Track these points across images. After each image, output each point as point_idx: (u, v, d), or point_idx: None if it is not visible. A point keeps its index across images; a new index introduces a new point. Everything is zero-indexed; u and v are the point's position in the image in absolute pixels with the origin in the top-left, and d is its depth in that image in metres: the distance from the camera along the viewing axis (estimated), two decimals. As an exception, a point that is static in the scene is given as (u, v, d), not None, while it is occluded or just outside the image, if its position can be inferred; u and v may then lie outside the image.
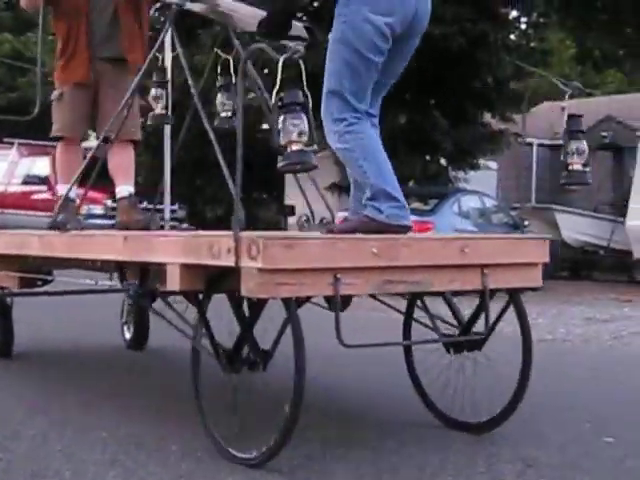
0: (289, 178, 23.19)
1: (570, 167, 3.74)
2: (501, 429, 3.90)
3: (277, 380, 3.33)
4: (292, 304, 3.23)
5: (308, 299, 3.56)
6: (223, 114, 4.79)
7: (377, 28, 3.53)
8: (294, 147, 3.21)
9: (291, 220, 24.15)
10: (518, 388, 3.81)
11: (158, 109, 4.70)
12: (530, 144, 22.86)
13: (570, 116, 3.75)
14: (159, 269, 3.63)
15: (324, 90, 3.67)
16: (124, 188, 5.58)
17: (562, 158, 3.75)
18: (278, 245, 3.13)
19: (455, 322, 3.99)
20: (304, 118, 3.19)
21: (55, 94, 5.51)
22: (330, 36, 3.68)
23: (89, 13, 5.29)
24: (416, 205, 13.12)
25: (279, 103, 3.21)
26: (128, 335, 6.34)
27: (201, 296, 3.56)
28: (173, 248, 3.52)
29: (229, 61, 4.67)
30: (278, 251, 3.13)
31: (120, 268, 4.06)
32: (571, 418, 4.39)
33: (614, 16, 18.12)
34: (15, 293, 5.42)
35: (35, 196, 15.71)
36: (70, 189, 4.86)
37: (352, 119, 3.60)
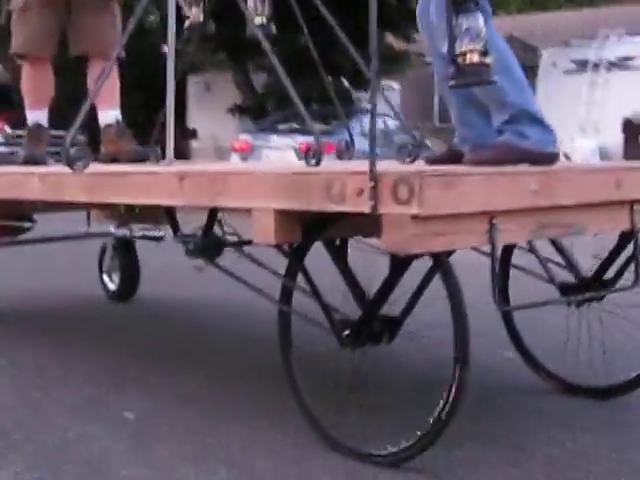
0: (191, 100, 22.42)
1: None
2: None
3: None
4: (446, 261, 2.50)
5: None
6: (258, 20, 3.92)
7: None
8: (471, 58, 2.46)
9: (195, 144, 23.31)
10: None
11: (194, 14, 3.74)
12: (431, 63, 22.62)
13: None
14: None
15: None
16: (110, 113, 4.76)
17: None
18: (437, 184, 2.38)
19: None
20: (480, 18, 2.43)
21: (17, 2, 4.59)
22: None
23: None
24: (319, 127, 13.09)
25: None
26: (112, 285, 5.50)
27: (296, 247, 2.80)
28: (264, 189, 2.71)
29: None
30: (437, 192, 2.37)
31: (171, 216, 3.23)
32: None
33: None
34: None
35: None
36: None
37: None
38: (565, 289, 3.23)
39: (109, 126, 4.73)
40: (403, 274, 2.62)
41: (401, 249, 2.39)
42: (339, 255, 2.83)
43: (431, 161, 3.19)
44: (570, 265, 3.31)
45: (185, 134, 18.46)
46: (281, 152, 13.26)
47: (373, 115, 2.47)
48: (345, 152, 4.03)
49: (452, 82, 2.58)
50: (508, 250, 3.45)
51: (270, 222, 2.67)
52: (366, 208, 2.43)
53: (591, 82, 15.35)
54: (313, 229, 2.73)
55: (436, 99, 22.84)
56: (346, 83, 16.47)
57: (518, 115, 2.81)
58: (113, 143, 4.68)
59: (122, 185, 3.26)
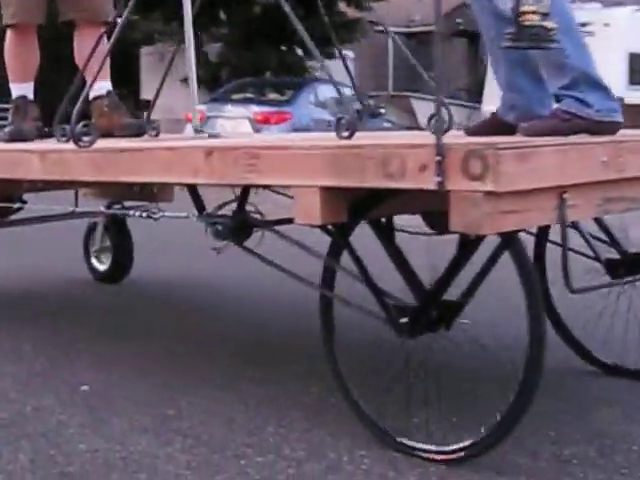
0: (144, 71, 21.97)
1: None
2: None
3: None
4: (518, 239, 2.29)
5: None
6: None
7: None
8: (532, 19, 2.25)
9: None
10: None
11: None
12: (386, 32, 22.80)
13: None
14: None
15: None
16: (100, 84, 4.46)
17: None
18: (512, 157, 2.16)
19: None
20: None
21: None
22: None
23: None
24: (273, 96, 13.64)
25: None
26: (101, 266, 5.23)
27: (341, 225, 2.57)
28: (308, 164, 2.48)
29: None
30: (512, 166, 2.16)
31: (195, 194, 2.98)
32: None
33: None
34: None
35: None
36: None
37: None
38: (612, 267, 3.05)
39: (100, 98, 4.45)
40: (472, 255, 2.41)
41: (473, 229, 2.18)
42: (387, 235, 2.61)
43: (472, 132, 2.97)
44: (614, 242, 3.13)
45: (139, 106, 18.14)
46: (236, 122, 13.03)
47: (438, 108, 2.24)
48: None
49: (509, 42, 2.36)
50: (544, 227, 3.26)
51: (315, 201, 2.45)
52: (431, 184, 2.21)
53: None
54: (361, 207, 2.51)
55: (390, 67, 22.86)
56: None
57: (579, 79, 2.60)
58: (105, 116, 4.40)
59: (138, 162, 3.01)
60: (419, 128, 16.25)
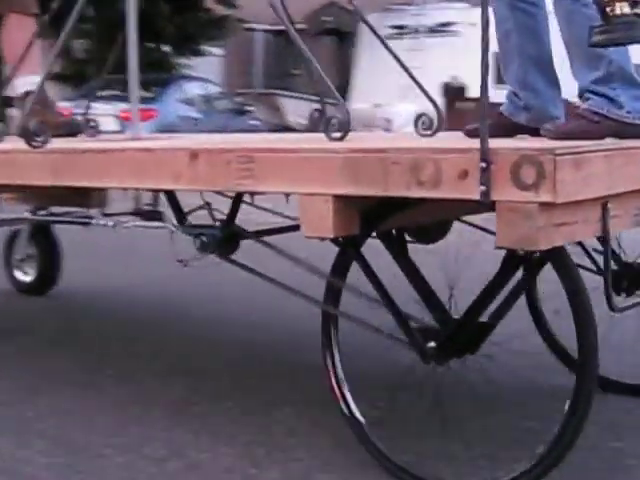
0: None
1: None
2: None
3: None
4: (566, 253, 2.07)
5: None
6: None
7: None
8: (622, 8, 2.01)
9: (15, 112, 22.06)
10: None
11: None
12: (254, 29, 22.78)
13: None
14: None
15: None
16: (28, 80, 4.09)
17: None
18: (569, 164, 1.94)
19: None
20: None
21: None
22: None
23: None
24: (139, 93, 13.18)
25: None
26: (25, 277, 4.81)
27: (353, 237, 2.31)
28: (320, 170, 2.20)
29: None
30: (569, 174, 1.94)
31: (174, 202, 2.66)
32: None
33: None
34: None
35: None
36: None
37: None
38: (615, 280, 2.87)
39: (26, 95, 4.08)
40: (515, 273, 2.17)
41: (524, 244, 1.94)
42: (400, 248, 2.36)
43: (474, 133, 2.74)
44: (613, 253, 2.95)
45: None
46: (103, 119, 12.66)
47: (483, 106, 2.00)
48: (319, 121, 3.50)
49: (598, 38, 2.11)
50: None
51: (327, 211, 2.18)
52: (473, 194, 1.97)
53: (410, 48, 15.40)
54: (374, 217, 2.26)
55: (258, 65, 22.93)
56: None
57: (615, 74, 2.37)
58: (38, 114, 4.03)
59: (103, 165, 2.67)
60: (288, 127, 16.50)
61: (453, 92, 14.88)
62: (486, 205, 1.95)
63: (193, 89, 13.85)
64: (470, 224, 3.03)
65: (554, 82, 2.63)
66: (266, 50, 22.84)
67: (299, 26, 20.92)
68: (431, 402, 2.30)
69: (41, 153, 2.80)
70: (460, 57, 13.60)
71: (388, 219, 2.28)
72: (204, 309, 4.41)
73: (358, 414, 2.35)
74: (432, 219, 2.56)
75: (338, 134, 2.56)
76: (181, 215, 2.66)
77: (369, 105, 14.45)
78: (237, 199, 2.55)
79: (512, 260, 2.10)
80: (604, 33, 2.11)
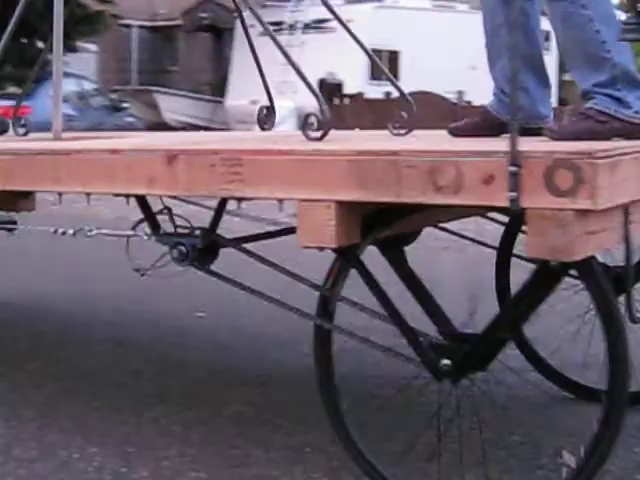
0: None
1: None
2: None
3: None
4: (595, 264, 1.93)
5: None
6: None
7: None
8: None
9: None
10: None
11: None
12: (130, 26, 22.85)
13: None
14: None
15: None
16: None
17: None
18: (607, 168, 1.80)
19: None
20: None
21: None
22: None
23: None
24: (13, 89, 13.50)
25: None
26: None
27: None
28: (321, 173, 2.01)
29: None
30: (606, 179, 1.80)
31: (147, 209, 2.42)
32: None
33: None
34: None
35: None
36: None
37: None
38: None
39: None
40: (551, 286, 2.01)
41: (559, 255, 1.79)
42: (399, 258, 2.19)
43: (460, 132, 2.60)
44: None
45: None
46: None
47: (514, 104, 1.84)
48: (267, 120, 3.31)
49: (632, 35, 1.98)
50: (509, 241, 2.94)
51: (329, 218, 2.00)
52: (501, 201, 1.82)
53: (287, 44, 15.50)
54: (377, 225, 2.08)
55: (134, 61, 22.72)
56: None
57: (618, 77, 2.26)
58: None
59: (63, 168, 2.42)
60: (164, 124, 16.33)
61: (329, 88, 14.93)
62: (514, 212, 1.80)
63: (67, 86, 13.49)
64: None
65: (544, 81, 2.51)
66: (141, 46, 22.78)
67: (174, 22, 20.62)
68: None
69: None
70: (336, 54, 13.56)
71: (392, 225, 2.11)
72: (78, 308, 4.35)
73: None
74: (433, 223, 2.40)
75: (317, 134, 2.39)
76: (155, 223, 2.43)
77: (246, 101, 14.24)
78: (221, 205, 2.33)
79: (546, 271, 1.94)
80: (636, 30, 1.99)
